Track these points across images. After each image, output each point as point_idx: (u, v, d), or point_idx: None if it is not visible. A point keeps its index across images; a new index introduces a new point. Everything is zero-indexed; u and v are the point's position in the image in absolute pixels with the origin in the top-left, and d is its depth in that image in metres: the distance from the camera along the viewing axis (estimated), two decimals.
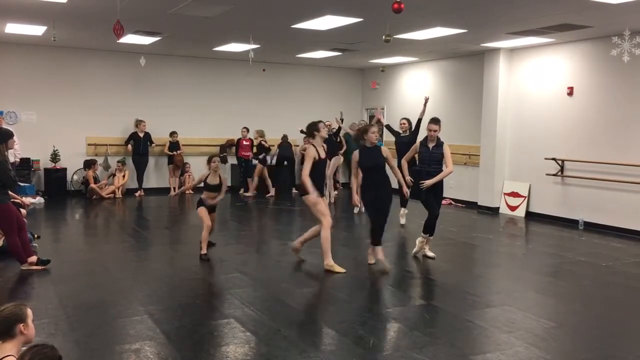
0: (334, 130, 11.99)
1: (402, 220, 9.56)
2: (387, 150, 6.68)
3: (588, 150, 9.79)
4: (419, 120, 8.91)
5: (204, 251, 7.05)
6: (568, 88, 10.15)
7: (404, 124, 9.29)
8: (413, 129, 9.12)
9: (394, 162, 6.81)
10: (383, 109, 14.07)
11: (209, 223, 7.10)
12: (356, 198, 6.85)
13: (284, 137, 13.51)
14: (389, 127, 9.82)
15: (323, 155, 6.59)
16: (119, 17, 6.96)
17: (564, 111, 10.27)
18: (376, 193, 6.58)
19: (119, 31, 6.45)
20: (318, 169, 6.55)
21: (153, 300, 5.37)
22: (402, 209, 9.60)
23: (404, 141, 8.97)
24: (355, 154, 6.68)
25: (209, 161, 7.31)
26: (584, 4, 7.05)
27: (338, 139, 11.80)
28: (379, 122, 8.79)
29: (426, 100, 9.02)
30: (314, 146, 6.54)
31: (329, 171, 11.07)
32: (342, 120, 12.77)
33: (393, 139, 9.54)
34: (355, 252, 7.74)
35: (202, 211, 7.13)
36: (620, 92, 9.14)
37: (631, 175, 9.04)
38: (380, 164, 6.54)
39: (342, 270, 6.46)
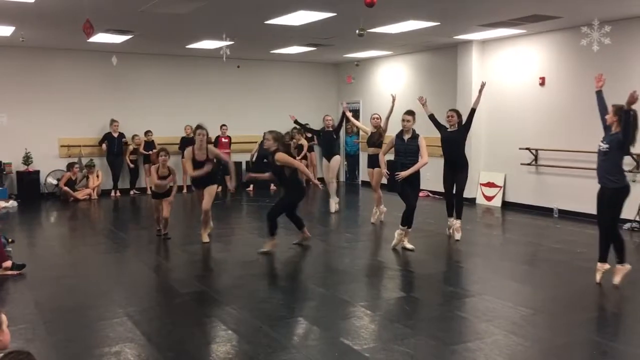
0: (334, 126, 10.39)
1: (373, 219, 9.35)
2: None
3: (561, 139, 9.94)
4: (473, 111, 7.85)
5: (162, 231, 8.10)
6: (540, 78, 10.29)
7: (451, 116, 7.88)
8: (464, 122, 7.86)
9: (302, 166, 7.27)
10: (348, 103, 14.08)
11: (158, 214, 8.00)
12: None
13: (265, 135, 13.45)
14: (433, 118, 8.09)
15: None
16: (89, 16, 6.85)
17: (537, 101, 10.41)
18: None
19: (89, 30, 6.35)
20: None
21: (132, 301, 5.32)
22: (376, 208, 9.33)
23: (452, 137, 7.84)
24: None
25: (157, 155, 7.87)
26: None
27: (336, 136, 10.39)
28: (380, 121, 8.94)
29: (482, 85, 7.98)
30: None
31: (331, 174, 10.23)
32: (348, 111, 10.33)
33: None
34: (329, 246, 7.76)
35: (153, 202, 8.09)
36: (590, 81, 9.21)
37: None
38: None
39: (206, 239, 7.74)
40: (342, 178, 15.19)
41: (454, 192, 8.00)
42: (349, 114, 10.04)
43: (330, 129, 10.29)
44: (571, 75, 9.69)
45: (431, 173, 11.86)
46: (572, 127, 9.75)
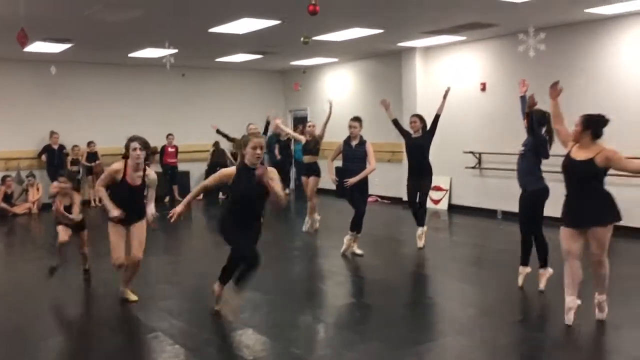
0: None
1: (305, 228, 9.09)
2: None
3: (502, 143, 10.22)
4: (437, 116, 7.59)
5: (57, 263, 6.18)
6: (481, 84, 10.58)
7: (414, 122, 7.55)
8: (429, 127, 7.57)
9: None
10: (295, 110, 14.12)
11: (64, 238, 6.11)
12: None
13: (216, 144, 13.37)
14: (396, 123, 7.73)
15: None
16: (24, 25, 6.60)
17: (479, 106, 10.69)
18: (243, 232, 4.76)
19: (23, 40, 6.11)
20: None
21: (73, 318, 5.14)
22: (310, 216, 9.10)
23: (416, 143, 7.56)
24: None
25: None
26: (490, 3, 7.36)
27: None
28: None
29: (447, 91, 7.69)
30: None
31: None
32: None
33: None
34: (280, 251, 7.73)
35: (60, 228, 6.22)
36: (529, 87, 9.59)
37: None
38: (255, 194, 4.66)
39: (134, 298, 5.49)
40: (292, 185, 15.15)
41: (418, 199, 7.73)
42: (279, 121, 9.68)
43: None
44: (510, 81, 9.98)
45: (380, 178, 12.00)
46: (512, 130, 10.01)
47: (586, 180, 4.53)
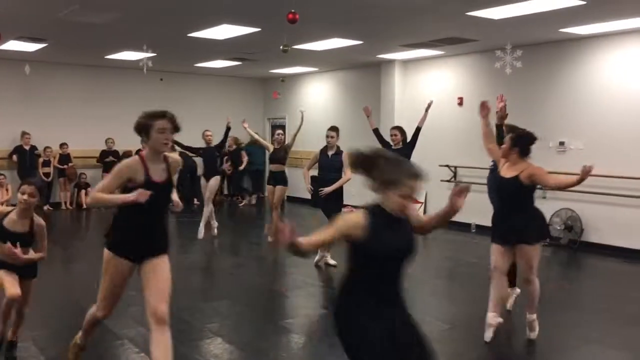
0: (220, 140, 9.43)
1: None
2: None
3: (478, 157, 10.30)
4: (418, 129, 7.65)
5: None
6: (458, 98, 10.67)
7: (394, 135, 7.58)
8: (410, 139, 7.63)
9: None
10: (274, 119, 14.08)
11: (16, 292, 3.86)
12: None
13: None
14: (377, 133, 7.81)
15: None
16: None
17: (456, 120, 10.77)
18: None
19: None
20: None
21: (38, 324, 5.00)
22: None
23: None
24: None
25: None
26: (469, 19, 7.44)
27: (218, 154, 9.53)
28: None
29: (429, 105, 7.79)
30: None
31: (208, 194, 9.07)
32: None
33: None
34: (249, 261, 7.66)
35: (2, 275, 3.93)
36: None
37: None
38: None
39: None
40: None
41: None
42: (246, 125, 9.28)
43: (212, 146, 9.31)
44: (486, 96, 9.95)
45: (356, 189, 12.01)
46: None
47: (514, 197, 4.52)
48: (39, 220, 4.02)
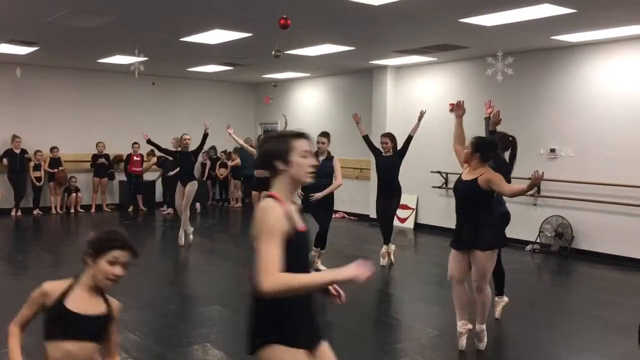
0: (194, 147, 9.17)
1: None
2: None
3: None
4: (410, 137, 7.67)
5: None
6: (450, 105, 10.68)
7: (385, 143, 7.61)
8: (401, 147, 7.66)
9: None
10: (266, 124, 14.02)
11: None
12: None
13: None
14: (367, 140, 7.84)
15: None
16: None
17: (447, 126, 10.75)
18: None
19: None
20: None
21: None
22: None
23: (386, 162, 7.64)
24: None
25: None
26: (461, 25, 7.47)
27: (195, 159, 9.22)
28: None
29: (422, 114, 7.79)
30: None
31: (185, 200, 8.88)
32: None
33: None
34: (238, 267, 7.62)
35: None
36: (495, 109, 9.76)
37: None
38: None
39: None
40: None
41: (385, 217, 7.77)
42: (230, 131, 9.23)
43: (188, 151, 9.05)
44: (478, 103, 10.10)
45: (347, 194, 12.01)
46: None
47: (470, 200, 4.48)
48: (112, 299, 2.68)
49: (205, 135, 9.04)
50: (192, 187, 8.94)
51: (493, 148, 4.60)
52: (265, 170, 2.44)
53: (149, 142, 9.32)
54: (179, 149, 9.27)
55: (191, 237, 9.00)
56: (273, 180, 2.41)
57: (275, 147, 2.39)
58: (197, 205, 12.89)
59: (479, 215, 4.46)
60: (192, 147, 9.10)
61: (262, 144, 2.49)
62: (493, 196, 4.55)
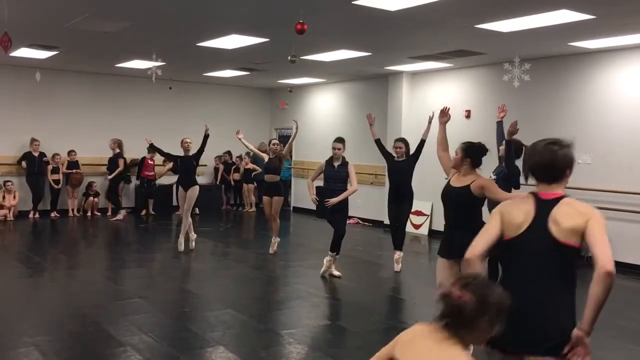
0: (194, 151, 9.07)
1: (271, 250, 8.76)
2: None
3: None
4: (422, 142, 7.64)
5: None
6: (465, 111, 10.66)
7: (399, 147, 7.56)
8: (414, 152, 7.65)
9: None
10: (282, 129, 14.04)
11: None
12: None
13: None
14: (379, 144, 7.80)
15: None
16: (9, 29, 6.55)
17: (463, 133, 10.69)
18: None
19: (7, 44, 6.06)
20: None
21: (42, 330, 5.01)
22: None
23: (399, 167, 7.57)
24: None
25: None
26: (477, 31, 7.44)
27: (196, 163, 9.01)
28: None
29: (431, 117, 7.59)
30: None
31: (187, 205, 8.72)
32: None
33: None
34: (255, 272, 7.64)
35: None
36: (512, 116, 9.69)
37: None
38: None
39: None
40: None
41: (397, 223, 7.69)
42: (241, 136, 9.07)
43: (190, 155, 8.93)
44: (494, 109, 10.04)
45: (362, 200, 11.99)
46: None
47: (462, 208, 4.37)
48: None
49: (206, 137, 8.93)
50: (194, 192, 8.81)
51: (483, 153, 4.51)
52: (553, 176, 2.73)
53: (152, 146, 9.35)
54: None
55: (193, 243, 8.90)
56: (557, 185, 2.78)
57: (572, 155, 2.72)
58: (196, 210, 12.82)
59: (470, 222, 4.25)
60: (193, 150, 9.00)
61: (561, 149, 2.76)
62: (484, 203, 4.47)
